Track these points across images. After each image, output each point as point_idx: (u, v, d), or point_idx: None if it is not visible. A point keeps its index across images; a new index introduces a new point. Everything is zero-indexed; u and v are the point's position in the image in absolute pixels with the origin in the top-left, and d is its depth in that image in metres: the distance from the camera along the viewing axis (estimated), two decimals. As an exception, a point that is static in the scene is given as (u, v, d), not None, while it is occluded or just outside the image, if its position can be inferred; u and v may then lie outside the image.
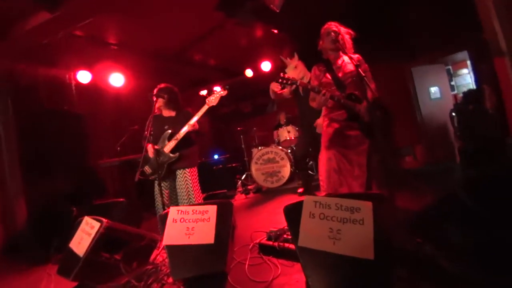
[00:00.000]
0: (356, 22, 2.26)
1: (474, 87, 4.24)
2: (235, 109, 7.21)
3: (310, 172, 4.52)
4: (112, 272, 1.76)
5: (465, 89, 4.71)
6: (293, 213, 1.19)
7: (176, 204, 2.48)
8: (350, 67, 2.05)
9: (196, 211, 1.53)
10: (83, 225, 1.79)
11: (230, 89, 2.51)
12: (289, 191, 3.89)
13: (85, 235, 1.74)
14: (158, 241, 2.00)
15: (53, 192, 3.31)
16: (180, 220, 1.51)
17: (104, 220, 1.75)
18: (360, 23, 2.36)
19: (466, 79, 4.95)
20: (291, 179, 4.30)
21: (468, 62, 4.78)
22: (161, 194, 2.21)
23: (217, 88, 5.85)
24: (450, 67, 5.15)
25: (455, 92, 4.97)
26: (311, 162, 4.62)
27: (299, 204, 1.19)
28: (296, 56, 3.54)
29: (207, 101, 2.42)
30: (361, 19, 2.94)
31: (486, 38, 2.08)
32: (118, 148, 3.83)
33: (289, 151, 4.54)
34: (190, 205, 1.87)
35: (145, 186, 3.38)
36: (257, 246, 1.97)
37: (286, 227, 2.04)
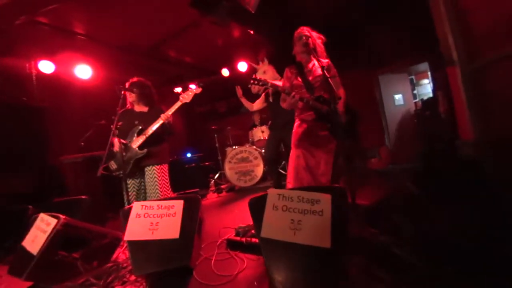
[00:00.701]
0: (328, 29, 2.37)
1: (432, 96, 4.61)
2: (210, 109, 7.16)
3: (282, 172, 4.62)
4: (70, 272, 1.67)
5: (425, 97, 5.10)
6: (258, 206, 1.22)
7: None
8: (319, 71, 2.14)
9: (161, 206, 1.50)
10: (38, 222, 1.68)
11: (206, 88, 2.50)
12: (261, 190, 3.94)
13: (40, 232, 1.63)
14: (121, 240, 1.92)
15: (7, 191, 3.05)
16: (144, 215, 1.48)
17: (61, 216, 1.66)
18: (332, 30, 2.48)
19: (427, 88, 5.37)
20: (264, 178, 4.36)
21: (429, 73, 5.20)
22: (127, 191, 2.13)
23: (192, 86, 5.86)
24: (413, 76, 5.56)
25: (417, 100, 5.37)
26: (283, 162, 4.73)
27: (264, 197, 1.22)
28: (266, 61, 3.61)
29: (180, 98, 2.39)
30: (333, 26, 3.07)
31: (441, 51, 2.28)
32: (82, 144, 3.62)
33: (262, 150, 4.59)
34: (155, 199, 1.83)
35: (112, 184, 3.24)
36: (225, 242, 1.97)
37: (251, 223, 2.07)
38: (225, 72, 5.55)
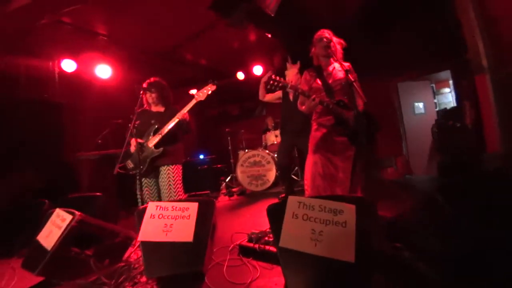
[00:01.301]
0: (348, 35, 2.31)
1: (455, 105, 4.42)
2: (222, 112, 7.18)
3: (294, 177, 4.55)
4: (82, 269, 1.66)
5: (446, 107, 4.91)
6: (276, 213, 1.17)
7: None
8: (340, 74, 2.09)
9: (176, 207, 1.48)
10: (53, 218, 1.69)
11: (219, 91, 2.48)
12: (273, 195, 3.87)
13: (55, 228, 1.63)
14: (133, 239, 1.91)
15: (24, 185, 3.12)
16: (159, 216, 1.45)
17: (76, 213, 1.66)
18: (352, 36, 2.42)
19: (448, 97, 5.16)
20: (276, 183, 4.29)
21: (450, 82, 5.01)
22: (141, 189, 2.12)
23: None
24: (433, 85, 5.37)
25: (438, 109, 5.18)
26: (296, 167, 4.66)
27: (283, 204, 1.17)
28: (298, 63, 3.53)
29: (196, 96, 2.38)
30: (353, 32, 3.00)
31: (470, 57, 2.18)
32: (99, 141, 3.68)
33: (275, 155, 4.54)
34: (170, 201, 1.81)
35: (125, 183, 3.27)
36: (237, 247, 1.92)
37: (267, 229, 2.02)
38: (240, 75, 5.56)
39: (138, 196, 2.26)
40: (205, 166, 4.67)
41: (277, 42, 4.33)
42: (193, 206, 1.48)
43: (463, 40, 2.73)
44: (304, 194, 2.11)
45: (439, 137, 3.40)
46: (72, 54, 4.09)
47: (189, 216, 1.45)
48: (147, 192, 2.38)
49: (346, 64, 2.11)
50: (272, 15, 2.84)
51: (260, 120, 6.07)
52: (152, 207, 1.49)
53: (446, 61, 3.83)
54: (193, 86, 6.19)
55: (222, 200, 4.05)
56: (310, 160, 2.07)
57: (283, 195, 3.58)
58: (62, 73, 4.10)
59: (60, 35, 3.70)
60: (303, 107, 2.09)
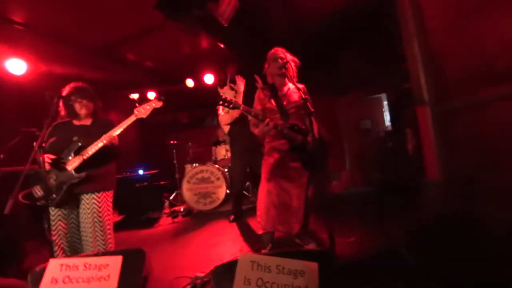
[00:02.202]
0: (299, 52, 2.24)
1: (389, 125, 4.79)
2: (171, 119, 6.66)
3: (245, 193, 4.35)
4: None
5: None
6: (224, 277, 0.93)
7: (74, 241, 1.91)
8: (295, 96, 1.99)
9: (89, 265, 1.11)
10: None
11: (167, 97, 2.13)
12: (222, 215, 3.60)
13: None
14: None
15: None
16: (64, 280, 1.07)
17: None
18: (304, 53, 2.36)
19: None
20: (226, 201, 4.03)
21: (385, 103, 5.48)
22: (49, 227, 1.64)
23: (151, 94, 5.35)
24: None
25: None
26: (248, 183, 4.47)
27: (232, 265, 0.94)
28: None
29: (135, 112, 1.97)
30: (305, 49, 2.99)
31: (412, 87, 2.29)
32: (1, 156, 2.91)
33: (225, 170, 4.29)
34: (81, 255, 1.39)
35: (39, 207, 2.62)
36: (176, 296, 1.61)
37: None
38: (190, 82, 5.21)
39: (48, 235, 1.76)
40: (145, 183, 4.14)
41: (230, 53, 4.13)
42: (115, 262, 1.13)
43: (405, 70, 2.94)
44: (257, 225, 1.92)
45: (380, 156, 3.59)
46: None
47: (108, 276, 1.10)
48: (59, 227, 1.87)
49: (301, 86, 2.02)
50: (225, 25, 2.63)
51: (211, 130, 5.76)
52: (54, 267, 1.09)
53: (387, 85, 4.14)
54: (134, 90, 5.59)
55: (164, 223, 3.60)
56: (264, 189, 1.89)
57: (232, 216, 3.34)
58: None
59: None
60: (256, 130, 1.92)
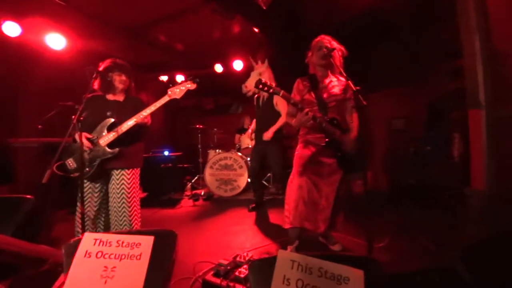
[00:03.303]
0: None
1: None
2: (196, 104, 6.68)
3: (265, 184, 4.31)
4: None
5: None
6: (261, 273, 0.88)
7: (105, 214, 1.96)
8: (337, 89, 1.87)
9: (122, 242, 1.11)
10: None
11: (187, 78, 2.09)
12: (242, 203, 3.59)
13: None
14: (66, 265, 1.49)
15: None
16: (97, 255, 1.07)
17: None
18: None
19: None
20: (246, 189, 4.01)
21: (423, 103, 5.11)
22: (82, 201, 1.67)
23: (180, 77, 5.36)
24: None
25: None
26: (268, 174, 4.42)
27: (270, 261, 0.88)
28: (266, 63, 3.33)
29: (169, 92, 1.95)
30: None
31: (464, 88, 2.08)
32: (39, 126, 3.04)
33: (248, 159, 4.25)
34: (115, 232, 1.40)
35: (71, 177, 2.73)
36: (199, 280, 1.60)
37: (238, 259, 1.73)
38: (219, 67, 5.16)
39: (78, 209, 1.81)
40: (169, 165, 4.20)
41: (262, 39, 4.00)
42: (147, 242, 1.12)
43: (456, 68, 2.68)
44: (284, 219, 1.85)
45: (414, 160, 3.37)
46: (17, 16, 3.35)
47: (139, 255, 1.09)
48: (89, 200, 1.92)
49: (343, 80, 1.89)
50: (264, 8, 2.51)
51: (235, 118, 5.72)
52: (88, 241, 1.10)
53: (427, 84, 3.84)
54: (163, 72, 5.63)
55: (185, 205, 3.65)
56: (296, 183, 1.81)
57: (253, 205, 3.32)
58: (2, 37, 3.34)
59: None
60: (293, 120, 1.82)
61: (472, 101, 2.00)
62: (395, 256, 1.84)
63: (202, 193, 4.03)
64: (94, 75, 1.83)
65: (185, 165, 4.57)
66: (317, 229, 1.80)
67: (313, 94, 1.85)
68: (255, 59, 3.46)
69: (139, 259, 1.08)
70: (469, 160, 2.03)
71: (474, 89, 1.97)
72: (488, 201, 1.95)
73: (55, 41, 3.59)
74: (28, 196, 2.06)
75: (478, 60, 1.94)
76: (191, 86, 1.95)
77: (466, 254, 0.95)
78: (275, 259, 0.88)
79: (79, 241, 1.11)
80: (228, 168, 3.97)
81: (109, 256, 1.07)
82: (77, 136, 1.78)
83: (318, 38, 1.88)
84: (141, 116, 1.86)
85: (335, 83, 1.88)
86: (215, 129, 4.68)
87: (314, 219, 1.79)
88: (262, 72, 3.30)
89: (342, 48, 1.88)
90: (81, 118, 1.67)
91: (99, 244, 1.10)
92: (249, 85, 3.33)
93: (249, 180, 3.96)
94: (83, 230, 1.71)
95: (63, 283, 1.21)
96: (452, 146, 2.54)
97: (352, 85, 1.37)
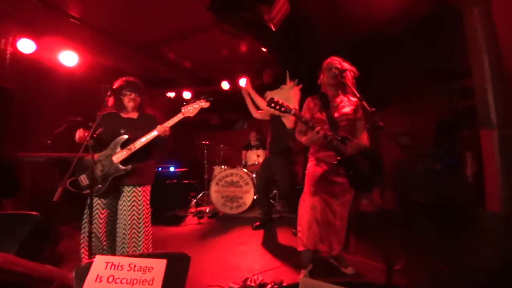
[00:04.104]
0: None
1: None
2: (201, 119, 6.73)
3: (271, 201, 4.25)
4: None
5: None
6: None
7: (107, 231, 1.92)
8: (348, 109, 1.88)
9: (134, 266, 1.07)
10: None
11: (201, 97, 2.11)
12: (248, 221, 3.51)
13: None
14: (71, 286, 1.44)
15: None
16: (108, 279, 1.04)
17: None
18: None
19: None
20: (252, 207, 3.95)
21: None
22: (90, 219, 1.64)
23: (187, 94, 5.44)
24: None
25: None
26: (274, 191, 4.37)
27: (292, 290, 0.84)
28: (294, 83, 3.30)
29: (183, 110, 1.98)
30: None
31: (475, 107, 2.07)
32: (48, 142, 3.06)
33: (254, 175, 4.22)
34: (127, 255, 1.37)
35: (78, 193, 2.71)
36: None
37: (248, 283, 1.66)
38: (225, 85, 5.23)
39: (84, 224, 1.77)
40: (174, 181, 4.17)
41: (270, 58, 4.09)
42: (159, 265, 1.08)
43: (464, 87, 2.69)
44: (298, 241, 1.80)
45: (423, 178, 3.32)
46: (33, 34, 3.47)
47: (152, 280, 1.05)
48: (100, 217, 1.89)
49: (354, 100, 1.90)
50: (274, 29, 2.58)
51: (241, 133, 5.74)
52: (99, 264, 1.06)
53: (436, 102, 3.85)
54: (170, 89, 5.73)
55: (190, 223, 3.58)
56: (308, 202, 1.78)
57: (257, 223, 3.25)
58: (17, 54, 3.44)
59: (21, 9, 3.11)
60: (303, 138, 1.82)
61: (484, 121, 1.99)
62: (413, 280, 1.76)
63: (207, 210, 3.97)
64: (108, 92, 1.86)
65: (190, 181, 4.54)
66: (332, 251, 1.75)
67: (324, 113, 1.85)
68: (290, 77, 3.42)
69: (152, 284, 1.05)
70: (483, 180, 1.98)
71: (485, 109, 1.97)
72: (504, 223, 1.89)
73: (68, 58, 3.68)
74: (34, 213, 2.05)
75: (487, 81, 1.95)
76: (204, 104, 1.98)
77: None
78: (297, 287, 0.84)
79: (90, 264, 1.08)
80: (234, 184, 3.93)
81: (121, 281, 1.04)
82: (94, 155, 1.78)
83: (329, 60, 1.91)
84: (161, 129, 1.87)
85: (346, 103, 1.89)
86: (221, 145, 4.68)
87: (328, 241, 1.74)
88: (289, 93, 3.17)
89: (354, 69, 1.90)
90: (95, 135, 1.68)
91: (110, 268, 1.06)
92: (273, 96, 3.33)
93: (255, 197, 3.91)
94: (90, 249, 1.67)
95: None
96: (465, 165, 2.50)
97: (367, 106, 1.37)
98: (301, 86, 3.09)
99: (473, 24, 2.14)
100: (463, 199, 2.42)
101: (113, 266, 1.07)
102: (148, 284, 1.05)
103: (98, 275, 1.04)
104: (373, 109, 1.31)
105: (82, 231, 1.83)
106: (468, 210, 2.23)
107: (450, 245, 2.28)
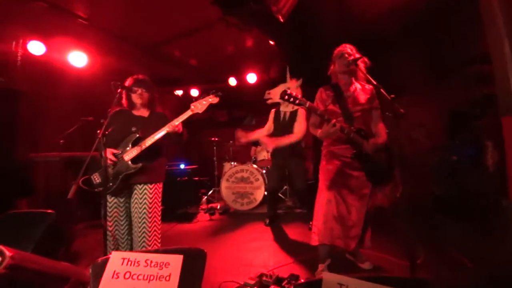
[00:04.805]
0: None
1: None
2: (209, 116, 6.72)
3: (281, 196, 4.22)
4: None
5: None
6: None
7: (127, 229, 1.92)
8: (362, 98, 1.81)
9: (151, 262, 1.05)
10: (-31, 258, 1.18)
11: (210, 92, 2.07)
12: (259, 217, 3.49)
13: (-31, 274, 1.13)
14: (87, 283, 1.44)
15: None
16: (125, 275, 1.02)
17: (7, 252, 1.17)
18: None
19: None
20: (263, 202, 3.91)
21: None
22: (105, 216, 1.64)
23: (195, 92, 5.43)
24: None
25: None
26: (285, 187, 4.33)
27: (315, 285, 0.81)
28: (299, 82, 3.26)
29: (192, 106, 1.95)
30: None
31: (495, 94, 1.98)
32: (61, 141, 3.09)
33: (264, 171, 4.19)
34: (143, 251, 1.36)
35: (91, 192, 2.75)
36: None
37: (264, 278, 1.64)
38: (232, 81, 5.21)
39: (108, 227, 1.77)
40: (185, 178, 4.18)
41: (277, 52, 4.02)
42: (176, 261, 1.06)
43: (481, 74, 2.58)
44: (312, 236, 1.76)
45: (440, 170, 3.22)
46: (43, 35, 3.51)
47: (169, 276, 1.03)
48: (115, 215, 1.89)
49: (369, 87, 1.84)
50: (282, 21, 2.52)
51: (249, 129, 5.69)
52: (116, 260, 1.05)
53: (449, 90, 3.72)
54: (178, 87, 5.74)
55: (202, 219, 3.59)
56: (324, 198, 1.73)
57: (267, 220, 3.23)
58: (28, 56, 3.49)
59: (30, 12, 3.14)
60: (318, 131, 1.76)
61: (505, 108, 1.89)
62: (434, 274, 1.70)
63: (218, 207, 3.97)
64: (119, 90, 1.85)
65: (200, 178, 4.54)
66: (348, 247, 1.70)
67: (337, 105, 1.79)
68: (290, 73, 3.40)
69: (168, 280, 1.03)
70: (505, 169, 1.89)
71: (507, 95, 1.87)
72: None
73: (77, 59, 3.72)
74: (49, 211, 2.07)
75: (509, 65, 1.85)
76: (213, 100, 1.94)
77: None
78: (321, 282, 0.80)
79: (106, 260, 1.07)
80: (244, 181, 3.91)
81: (138, 277, 1.02)
82: (103, 152, 1.77)
83: (340, 47, 1.84)
84: (171, 126, 1.84)
85: (361, 92, 1.83)
86: (231, 141, 4.66)
87: (344, 236, 1.69)
88: (291, 88, 3.21)
89: (366, 59, 1.83)
90: (106, 133, 1.68)
91: (127, 264, 1.05)
92: (273, 93, 3.29)
93: (265, 193, 3.88)
94: (106, 247, 1.68)
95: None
96: (485, 154, 2.40)
97: (385, 94, 1.31)
98: (300, 81, 3.04)
99: (490, 8, 2.03)
100: (483, 190, 2.32)
101: (129, 262, 1.05)
102: (165, 280, 1.03)
103: (115, 271, 1.03)
104: (392, 95, 1.25)
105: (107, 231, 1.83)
106: (490, 202, 2.14)
107: (472, 239, 2.20)
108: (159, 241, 1.96)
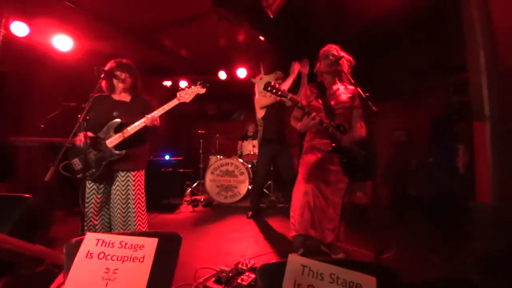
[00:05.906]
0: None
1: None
2: (198, 108, 6.69)
3: (265, 191, 4.28)
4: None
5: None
6: (270, 278, 0.85)
7: (105, 215, 1.92)
8: (344, 97, 1.88)
9: (125, 244, 1.08)
10: None
11: (197, 82, 2.08)
12: (242, 210, 3.54)
13: None
14: (63, 267, 1.45)
15: None
16: (99, 256, 1.04)
17: (-21, 232, 1.17)
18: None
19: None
20: (247, 196, 3.96)
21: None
22: (83, 202, 1.64)
23: (184, 83, 5.39)
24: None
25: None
26: (269, 181, 4.39)
27: (280, 266, 0.86)
28: (279, 74, 3.32)
29: (178, 95, 1.94)
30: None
31: (469, 101, 2.09)
32: (42, 126, 3.02)
33: (249, 165, 4.23)
34: (118, 233, 1.36)
35: (71, 178, 2.70)
36: (200, 287, 1.56)
37: (240, 266, 1.69)
38: (222, 75, 5.19)
39: (82, 207, 1.76)
40: (170, 169, 4.16)
41: (268, 47, 4.05)
42: (150, 244, 1.09)
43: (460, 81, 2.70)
44: (290, 226, 1.83)
45: (416, 171, 3.36)
46: (26, 16, 3.39)
47: (143, 257, 1.06)
48: (92, 201, 1.88)
49: (351, 88, 1.90)
50: (272, 16, 2.54)
51: (238, 124, 5.73)
52: (90, 241, 1.07)
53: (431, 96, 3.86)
54: (167, 77, 5.67)
55: (185, 210, 3.60)
56: (301, 189, 1.79)
57: (251, 212, 3.28)
58: (10, 37, 3.36)
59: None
60: (299, 124, 1.82)
61: (477, 114, 2.00)
62: (401, 268, 1.80)
63: (202, 199, 3.99)
64: (102, 75, 1.83)
65: (185, 170, 4.54)
66: (324, 239, 1.77)
67: (320, 101, 1.85)
68: (264, 68, 3.45)
69: (142, 261, 1.06)
70: (474, 172, 2.01)
71: (479, 103, 1.98)
72: (494, 215, 1.93)
73: (62, 42, 3.62)
74: (26, 195, 2.04)
75: (483, 75, 1.95)
76: (200, 90, 1.95)
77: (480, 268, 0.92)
78: (285, 264, 0.85)
79: (80, 240, 1.08)
80: (229, 174, 3.94)
81: (112, 258, 1.04)
82: (81, 136, 1.75)
83: (326, 47, 1.90)
84: (148, 117, 1.84)
85: (343, 91, 1.89)
86: (217, 135, 4.67)
87: (321, 228, 1.76)
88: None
89: (350, 58, 1.90)
90: (87, 117, 1.66)
91: (101, 245, 1.07)
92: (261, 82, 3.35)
93: (250, 187, 3.93)
94: (82, 229, 1.68)
95: (62, 283, 1.18)
96: (457, 157, 2.54)
97: (361, 92, 1.37)
98: (279, 75, 3.11)
99: (470, 17, 2.13)
100: (454, 191, 2.46)
101: (104, 243, 1.07)
102: (139, 261, 1.05)
103: (88, 251, 1.04)
104: (367, 94, 1.31)
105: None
106: (459, 203, 2.27)
107: (441, 238, 2.33)
108: (145, 226, 1.97)
